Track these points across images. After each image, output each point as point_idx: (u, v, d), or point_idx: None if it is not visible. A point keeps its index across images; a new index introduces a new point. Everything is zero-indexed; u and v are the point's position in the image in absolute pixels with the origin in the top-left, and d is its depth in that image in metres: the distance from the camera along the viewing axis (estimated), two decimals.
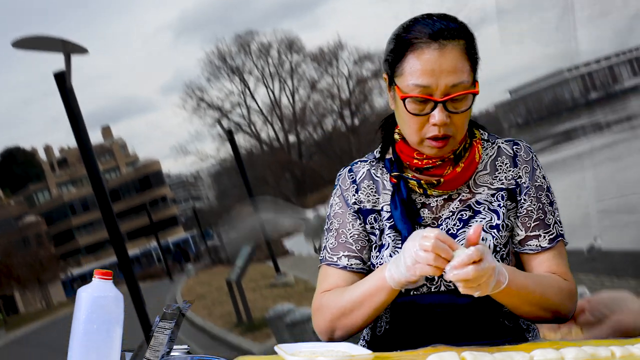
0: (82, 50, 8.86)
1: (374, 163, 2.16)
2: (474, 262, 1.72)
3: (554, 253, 2.05)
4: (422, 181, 2.03)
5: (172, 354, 1.83)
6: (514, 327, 2.06)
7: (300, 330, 8.26)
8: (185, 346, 1.92)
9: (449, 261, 1.76)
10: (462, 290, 1.77)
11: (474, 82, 1.97)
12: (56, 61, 9.02)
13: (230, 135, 23.18)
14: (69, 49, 8.83)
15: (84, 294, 1.79)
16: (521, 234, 2.06)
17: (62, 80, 9.01)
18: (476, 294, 1.77)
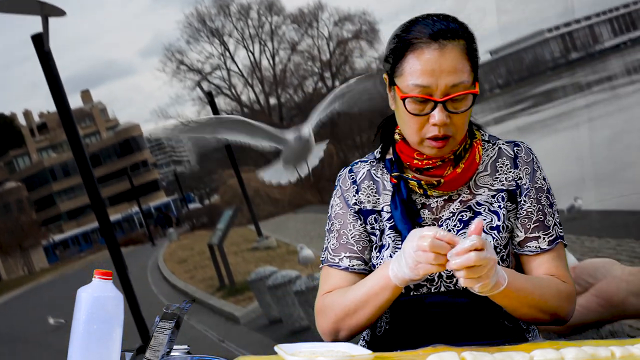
0: (60, 12, 8.77)
1: (374, 163, 2.20)
2: (475, 250, 1.75)
3: (553, 255, 2.10)
4: (422, 182, 2.07)
5: (172, 354, 1.86)
6: (513, 328, 2.10)
7: (282, 293, 8.28)
8: (185, 346, 1.96)
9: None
10: (462, 282, 1.79)
11: (474, 82, 2.02)
12: (34, 25, 8.94)
13: (210, 98, 23.13)
14: (47, 11, 8.75)
15: (84, 294, 1.82)
16: (521, 235, 2.11)
17: (40, 42, 8.94)
18: (476, 288, 1.79)
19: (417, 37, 2.00)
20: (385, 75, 2.12)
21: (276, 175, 9.94)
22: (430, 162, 2.07)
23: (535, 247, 2.10)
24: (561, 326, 2.14)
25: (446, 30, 1.98)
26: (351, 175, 2.21)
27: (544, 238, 2.10)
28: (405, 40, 2.02)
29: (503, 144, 2.17)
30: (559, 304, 2.04)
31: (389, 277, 1.94)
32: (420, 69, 1.96)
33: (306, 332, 7.94)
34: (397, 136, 2.15)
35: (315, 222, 22.23)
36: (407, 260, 1.86)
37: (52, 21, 8.88)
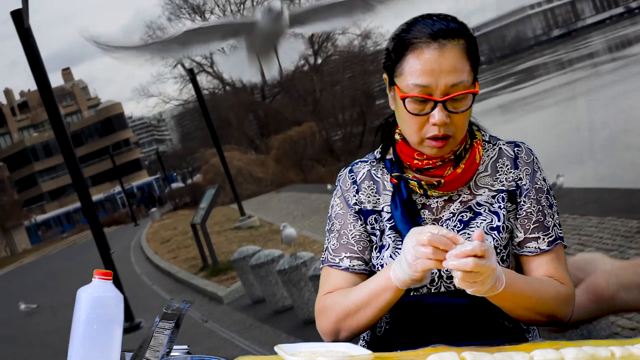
0: None
1: (374, 163, 2.13)
2: (475, 256, 1.71)
3: (553, 256, 2.03)
4: (422, 182, 2.01)
5: (172, 354, 1.81)
6: (514, 328, 2.04)
7: (265, 272, 8.26)
8: (185, 346, 1.90)
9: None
10: (457, 282, 1.75)
11: (474, 81, 1.96)
12: (13, 1, 8.83)
13: (192, 75, 23.00)
14: None
15: (84, 294, 1.76)
16: (520, 235, 2.04)
17: (20, 19, 8.85)
18: (469, 291, 1.76)
19: (416, 37, 1.93)
20: (385, 76, 2.05)
21: (237, 69, 7.78)
22: (431, 162, 2.01)
23: (535, 247, 2.03)
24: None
25: (446, 29, 1.92)
26: (351, 176, 2.14)
27: (543, 239, 2.03)
28: (405, 40, 1.95)
29: (503, 145, 2.11)
30: (557, 307, 1.99)
31: (390, 278, 1.89)
32: (420, 68, 1.91)
33: (289, 312, 7.94)
34: (397, 136, 2.08)
35: (297, 201, 22.20)
36: (406, 257, 1.82)
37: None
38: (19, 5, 8.57)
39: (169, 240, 21.08)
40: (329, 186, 24.26)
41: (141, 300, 11.72)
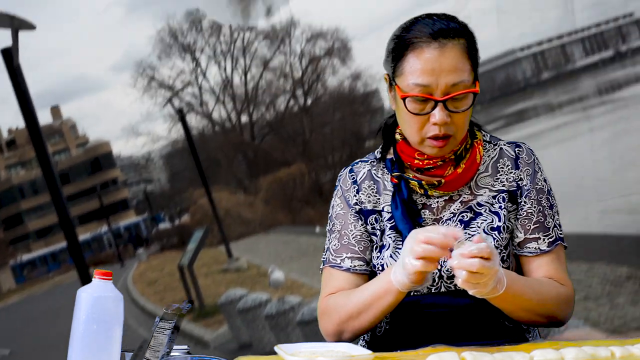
0: (29, 26, 8.70)
1: (374, 163, 2.18)
2: (482, 257, 1.73)
3: (553, 257, 2.08)
4: (423, 181, 2.06)
5: (172, 354, 1.85)
6: (514, 328, 2.09)
7: (253, 316, 8.23)
8: (185, 346, 1.95)
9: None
10: (460, 282, 1.77)
11: (475, 81, 2.01)
12: (3, 38, 8.86)
13: (181, 115, 23.04)
14: (16, 24, 8.69)
15: (84, 294, 1.81)
16: (520, 236, 2.09)
17: (10, 57, 8.86)
18: (471, 292, 1.78)
19: (417, 37, 1.98)
20: (385, 76, 2.10)
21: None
22: (431, 162, 2.05)
23: (535, 248, 2.08)
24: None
25: (446, 29, 1.97)
26: (351, 175, 2.18)
27: (543, 239, 2.08)
28: (405, 39, 2.00)
29: (504, 145, 2.15)
30: (557, 308, 2.03)
31: (392, 282, 1.92)
32: (420, 68, 1.96)
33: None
34: (397, 136, 2.13)
35: (286, 243, 22.14)
36: (404, 259, 1.85)
37: (22, 35, 8.82)
38: (8, 41, 8.58)
39: (156, 282, 20.98)
40: (317, 228, 24.27)
41: (125, 342, 11.60)
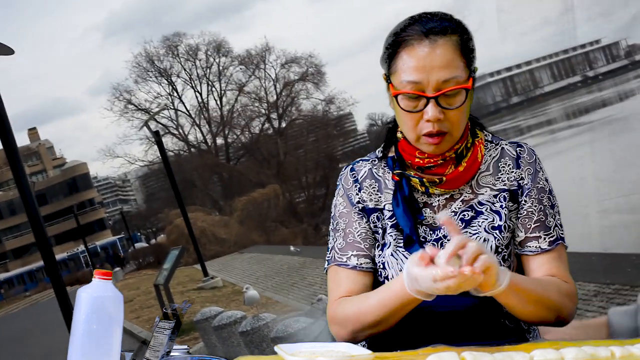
0: (8, 50, 8.78)
1: (375, 162, 2.15)
2: (480, 254, 1.70)
3: (554, 255, 2.04)
4: (424, 179, 2.03)
5: (172, 354, 1.84)
6: (514, 328, 2.05)
7: (228, 333, 8.30)
8: (185, 346, 1.95)
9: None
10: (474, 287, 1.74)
11: (469, 78, 1.97)
12: None
13: (157, 137, 23.02)
14: None
15: (83, 294, 1.77)
16: (521, 235, 2.05)
17: None
18: (477, 292, 1.76)
19: (409, 35, 1.96)
20: (384, 76, 2.07)
21: None
22: (432, 160, 2.01)
23: (536, 247, 2.03)
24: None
25: (438, 27, 1.93)
26: (353, 174, 2.14)
27: (544, 238, 2.03)
28: (399, 38, 1.96)
29: (506, 144, 2.12)
30: (562, 302, 1.97)
31: (411, 295, 1.84)
32: (411, 65, 1.92)
33: None
34: (399, 134, 2.10)
35: (261, 262, 22.21)
36: (421, 285, 1.77)
37: (1, 59, 8.86)
38: None
39: (132, 300, 20.95)
40: (292, 248, 24.29)
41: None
